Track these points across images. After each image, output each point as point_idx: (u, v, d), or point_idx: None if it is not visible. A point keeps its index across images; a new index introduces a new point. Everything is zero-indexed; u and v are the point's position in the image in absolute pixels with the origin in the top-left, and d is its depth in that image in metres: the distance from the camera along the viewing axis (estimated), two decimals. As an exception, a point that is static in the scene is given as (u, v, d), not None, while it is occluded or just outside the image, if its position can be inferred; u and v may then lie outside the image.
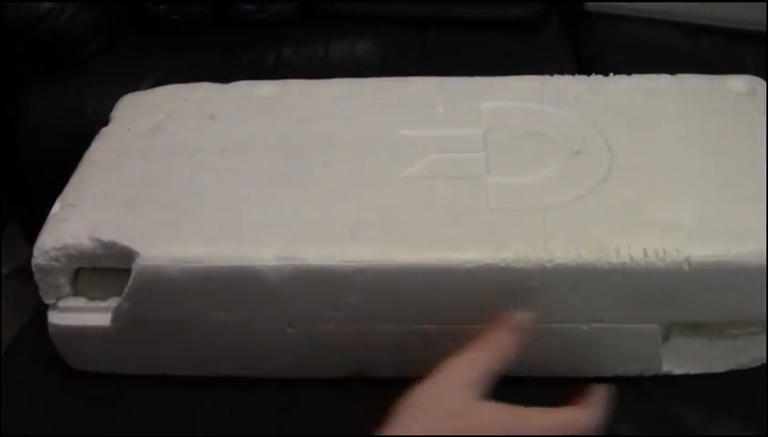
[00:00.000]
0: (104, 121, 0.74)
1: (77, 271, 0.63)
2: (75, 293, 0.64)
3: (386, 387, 0.63)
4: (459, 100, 0.71)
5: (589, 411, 0.50)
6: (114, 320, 0.61)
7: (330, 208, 0.61)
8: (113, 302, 0.62)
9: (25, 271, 0.67)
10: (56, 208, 0.64)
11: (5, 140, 0.96)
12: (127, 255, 0.59)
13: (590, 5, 1.09)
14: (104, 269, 0.62)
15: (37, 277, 0.62)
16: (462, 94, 0.72)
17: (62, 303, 0.63)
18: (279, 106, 0.73)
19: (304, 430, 0.62)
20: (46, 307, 0.64)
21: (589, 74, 0.74)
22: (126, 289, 0.59)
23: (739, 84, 0.71)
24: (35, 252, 0.61)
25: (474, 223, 0.59)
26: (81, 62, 0.97)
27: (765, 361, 0.62)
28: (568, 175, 0.63)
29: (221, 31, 1.03)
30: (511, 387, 0.62)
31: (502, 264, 0.56)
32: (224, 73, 0.95)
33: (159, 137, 0.70)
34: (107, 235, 0.60)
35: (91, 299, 0.63)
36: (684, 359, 0.61)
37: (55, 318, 0.63)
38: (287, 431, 0.62)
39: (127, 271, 0.59)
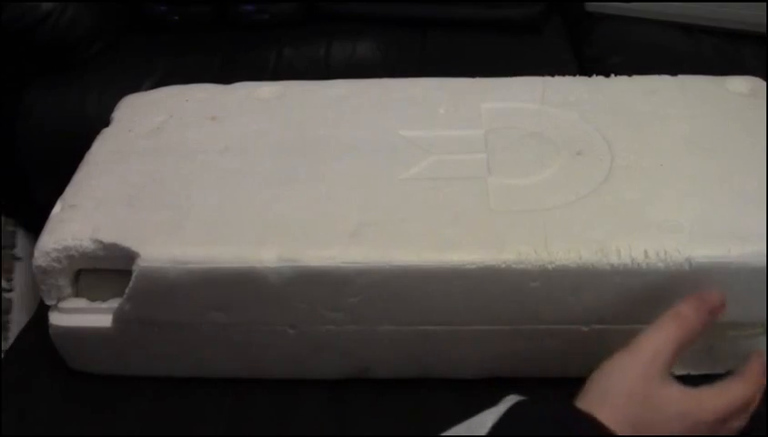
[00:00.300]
0: (105, 122, 0.74)
1: (78, 272, 0.63)
2: (77, 294, 0.64)
3: (386, 388, 0.64)
4: (461, 101, 0.71)
5: (752, 382, 0.52)
6: (115, 321, 0.61)
7: (331, 209, 0.61)
8: (114, 303, 0.62)
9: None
10: (57, 208, 0.64)
11: (5, 141, 0.96)
12: (128, 256, 0.59)
13: (590, 6, 1.09)
14: (105, 270, 0.62)
15: (38, 278, 0.62)
16: (463, 95, 0.72)
17: (63, 304, 0.63)
18: (280, 107, 0.73)
19: (304, 430, 0.62)
20: (48, 308, 0.64)
21: (590, 74, 0.74)
22: (126, 291, 0.59)
23: (740, 84, 0.71)
24: (36, 253, 0.61)
25: (475, 224, 0.59)
26: (82, 63, 0.97)
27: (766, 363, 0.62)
28: (569, 176, 0.63)
29: (222, 32, 1.02)
30: (511, 387, 0.62)
31: (503, 265, 0.56)
32: (225, 74, 0.95)
33: (160, 137, 0.70)
34: (108, 236, 0.60)
35: (92, 300, 0.63)
36: (686, 360, 0.61)
37: (56, 319, 0.63)
38: (287, 432, 0.62)
39: (128, 273, 0.59)
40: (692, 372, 0.62)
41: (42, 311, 0.67)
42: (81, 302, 0.63)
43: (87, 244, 0.60)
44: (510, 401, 0.48)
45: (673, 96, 0.70)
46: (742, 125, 0.66)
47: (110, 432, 0.63)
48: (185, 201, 0.63)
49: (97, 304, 0.63)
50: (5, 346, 0.71)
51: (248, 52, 1.00)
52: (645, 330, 0.51)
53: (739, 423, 0.52)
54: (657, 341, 0.51)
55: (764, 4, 1.00)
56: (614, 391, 0.49)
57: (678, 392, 0.50)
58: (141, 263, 0.58)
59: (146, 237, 0.59)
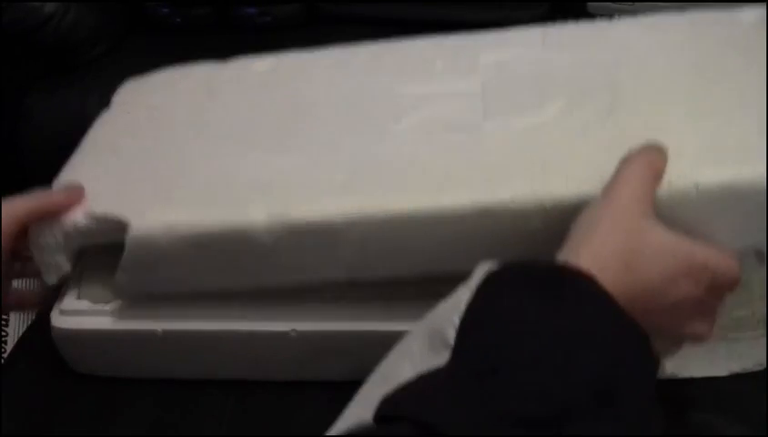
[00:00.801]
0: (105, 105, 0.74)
1: (81, 274, 0.63)
2: (79, 296, 0.64)
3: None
4: (458, 55, 0.69)
5: (736, 261, 0.49)
6: (114, 293, 0.61)
7: (322, 162, 0.59)
8: (117, 305, 0.62)
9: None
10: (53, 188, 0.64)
11: (7, 143, 0.96)
12: (121, 227, 0.58)
13: (592, 8, 1.09)
14: (107, 272, 0.62)
15: (36, 257, 0.61)
16: (461, 49, 0.69)
17: (65, 306, 0.63)
18: (275, 77, 0.72)
19: (306, 432, 0.62)
20: (50, 309, 0.64)
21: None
22: (121, 261, 0.59)
23: (752, 15, 0.67)
24: (31, 230, 0.61)
25: (471, 167, 0.56)
26: (84, 65, 0.97)
27: (766, 365, 0.62)
28: (570, 115, 0.60)
29: (224, 34, 1.03)
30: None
31: (500, 205, 0.53)
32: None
33: (156, 115, 0.70)
34: (100, 208, 0.59)
35: (94, 302, 0.63)
36: (688, 362, 0.61)
37: (58, 321, 0.63)
38: (289, 434, 0.62)
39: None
40: (695, 375, 0.62)
41: (43, 315, 0.67)
42: (83, 304, 0.63)
43: (80, 218, 0.60)
44: (482, 270, 0.45)
45: (680, 31, 0.67)
46: (751, 54, 0.62)
47: (113, 435, 0.63)
48: (175, 170, 0.62)
49: (100, 306, 0.63)
50: (3, 357, 0.71)
51: (250, 54, 1.00)
52: (614, 177, 0.49)
53: (716, 302, 0.50)
54: (637, 185, 0.48)
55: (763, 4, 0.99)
56: (599, 226, 0.46)
57: (667, 230, 0.47)
58: (132, 232, 0.57)
59: (137, 206, 0.58)
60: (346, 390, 0.63)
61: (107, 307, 0.63)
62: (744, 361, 0.61)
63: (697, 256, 0.47)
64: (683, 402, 0.61)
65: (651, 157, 0.50)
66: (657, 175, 0.50)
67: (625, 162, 0.50)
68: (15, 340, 0.74)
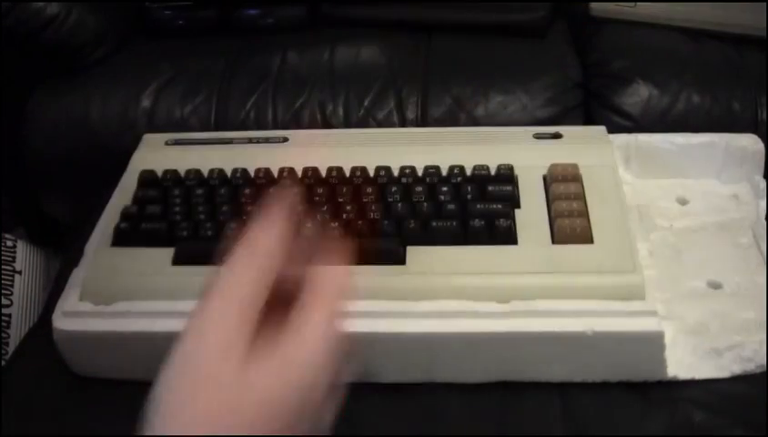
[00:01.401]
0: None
1: (83, 276, 0.63)
2: (81, 298, 0.64)
3: (391, 392, 0.64)
4: None
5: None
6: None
7: None
8: (119, 307, 0.62)
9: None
10: None
11: (10, 145, 0.96)
12: None
13: (595, 10, 1.09)
14: (108, 273, 0.61)
15: None
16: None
17: (67, 308, 0.63)
18: None
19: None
20: (52, 312, 0.64)
21: (593, 78, 0.72)
22: None
23: None
24: None
25: None
26: (86, 67, 0.97)
27: (767, 367, 0.62)
28: None
29: (226, 36, 1.03)
30: (512, 393, 0.62)
31: None
32: (228, 78, 0.95)
33: None
34: None
35: (96, 304, 0.63)
36: (689, 364, 0.61)
37: (60, 323, 0.63)
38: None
39: (134, 280, 0.58)
40: (697, 376, 0.62)
41: (45, 317, 0.67)
42: (86, 306, 0.63)
43: None
44: None
45: None
46: None
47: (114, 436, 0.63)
48: None
49: (102, 308, 0.63)
50: (5, 359, 0.71)
51: (253, 56, 1.00)
52: (202, 303, 0.37)
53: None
54: (223, 316, 0.37)
55: (765, 5, 0.99)
56: (179, 392, 0.36)
57: (267, 364, 0.36)
58: None
59: None
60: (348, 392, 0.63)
61: (109, 308, 0.62)
62: (746, 363, 0.61)
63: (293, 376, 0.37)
64: (685, 403, 0.61)
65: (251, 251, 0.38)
66: (263, 271, 0.38)
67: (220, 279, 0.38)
68: (17, 341, 0.74)
